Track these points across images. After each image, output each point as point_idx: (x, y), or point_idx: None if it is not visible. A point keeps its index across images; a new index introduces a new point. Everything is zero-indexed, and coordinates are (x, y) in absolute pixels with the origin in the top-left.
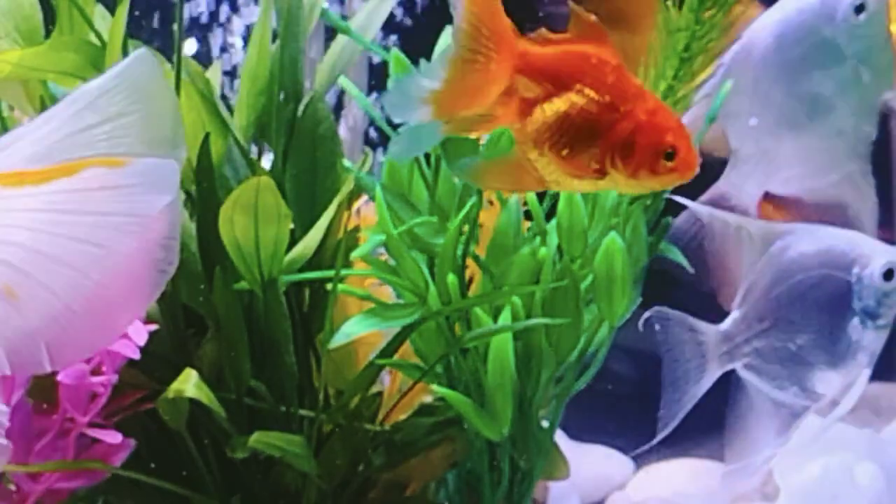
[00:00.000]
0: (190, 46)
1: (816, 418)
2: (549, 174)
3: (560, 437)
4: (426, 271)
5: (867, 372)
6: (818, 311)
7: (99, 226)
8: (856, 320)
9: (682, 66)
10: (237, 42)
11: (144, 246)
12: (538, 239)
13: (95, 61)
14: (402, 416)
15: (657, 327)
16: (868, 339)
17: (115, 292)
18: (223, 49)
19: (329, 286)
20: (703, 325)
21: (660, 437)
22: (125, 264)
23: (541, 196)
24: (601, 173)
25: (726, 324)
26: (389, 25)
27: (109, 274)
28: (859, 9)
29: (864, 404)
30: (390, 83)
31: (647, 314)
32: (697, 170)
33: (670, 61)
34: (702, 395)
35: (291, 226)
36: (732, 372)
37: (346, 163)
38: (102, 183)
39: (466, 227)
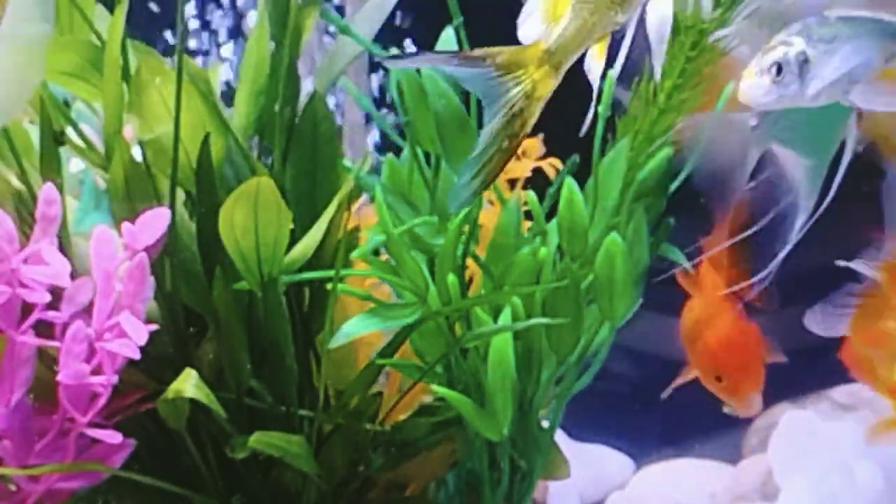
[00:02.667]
0: None
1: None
2: None
3: (560, 437)
4: (426, 271)
5: None
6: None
7: None
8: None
9: (688, 65)
10: None
11: None
12: (538, 239)
13: (95, 61)
14: (402, 416)
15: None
16: None
17: None
18: None
19: (329, 286)
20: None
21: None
22: None
23: (541, 196)
24: None
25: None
26: None
27: None
28: None
29: (864, 404)
30: None
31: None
32: None
33: (676, 59)
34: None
35: (291, 226)
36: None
37: (346, 163)
38: None
39: (466, 227)
